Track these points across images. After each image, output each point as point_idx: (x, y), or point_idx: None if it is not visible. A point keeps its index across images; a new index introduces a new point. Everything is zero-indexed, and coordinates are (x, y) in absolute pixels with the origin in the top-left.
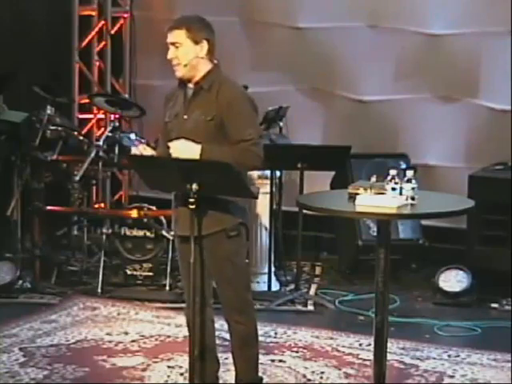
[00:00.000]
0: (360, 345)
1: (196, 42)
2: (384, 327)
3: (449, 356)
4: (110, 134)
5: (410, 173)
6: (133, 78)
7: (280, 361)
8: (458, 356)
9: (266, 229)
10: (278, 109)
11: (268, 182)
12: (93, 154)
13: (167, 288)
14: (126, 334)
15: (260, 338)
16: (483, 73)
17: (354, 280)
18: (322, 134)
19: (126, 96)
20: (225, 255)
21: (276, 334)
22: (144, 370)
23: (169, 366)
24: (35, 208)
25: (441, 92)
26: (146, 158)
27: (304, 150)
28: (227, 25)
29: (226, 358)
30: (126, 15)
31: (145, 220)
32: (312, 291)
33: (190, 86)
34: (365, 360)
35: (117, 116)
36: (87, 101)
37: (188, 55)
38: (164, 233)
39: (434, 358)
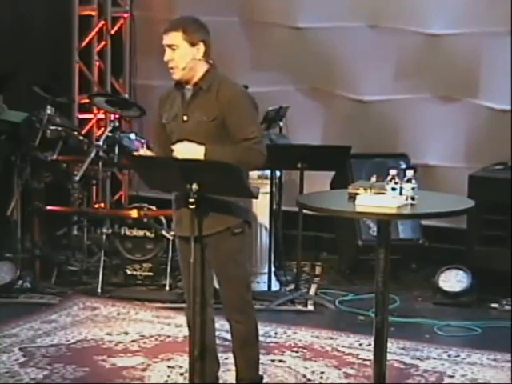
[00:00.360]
0: (360, 345)
1: (193, 44)
2: (384, 327)
3: (449, 356)
4: (109, 134)
5: (409, 173)
6: (133, 78)
7: (280, 361)
8: (458, 356)
9: (266, 229)
10: (278, 109)
11: (268, 181)
12: (93, 154)
13: (167, 288)
14: (126, 334)
15: (260, 338)
16: (483, 73)
17: (354, 280)
18: (322, 134)
19: (126, 96)
20: (228, 253)
21: (276, 334)
22: (144, 370)
23: (169, 366)
24: (35, 208)
25: (441, 92)
26: (146, 157)
27: (304, 149)
28: (227, 25)
29: (226, 358)
30: (126, 15)
31: (145, 220)
32: (312, 291)
33: (188, 87)
34: (365, 360)
35: (117, 116)
36: (87, 101)
37: (185, 58)
38: (164, 233)
39: (434, 358)
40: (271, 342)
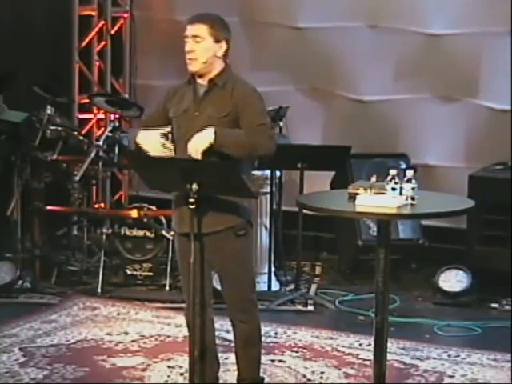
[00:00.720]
0: (360, 345)
1: (217, 41)
2: (384, 327)
3: (449, 356)
4: (110, 134)
5: (410, 173)
6: (133, 78)
7: (280, 361)
8: (458, 356)
9: (266, 229)
10: (278, 109)
11: (268, 182)
12: (93, 154)
13: (167, 288)
14: (126, 334)
15: None
16: (483, 73)
17: (354, 280)
18: (322, 134)
19: (126, 96)
20: (232, 253)
21: (276, 334)
22: (144, 369)
23: (169, 366)
24: (35, 208)
25: (441, 92)
26: (146, 157)
27: (304, 149)
28: None
29: (226, 358)
30: (126, 15)
31: (145, 220)
32: (312, 291)
33: (201, 82)
34: (365, 360)
35: (117, 116)
36: (87, 101)
37: (207, 52)
38: (164, 233)
39: (434, 358)
40: (271, 342)
